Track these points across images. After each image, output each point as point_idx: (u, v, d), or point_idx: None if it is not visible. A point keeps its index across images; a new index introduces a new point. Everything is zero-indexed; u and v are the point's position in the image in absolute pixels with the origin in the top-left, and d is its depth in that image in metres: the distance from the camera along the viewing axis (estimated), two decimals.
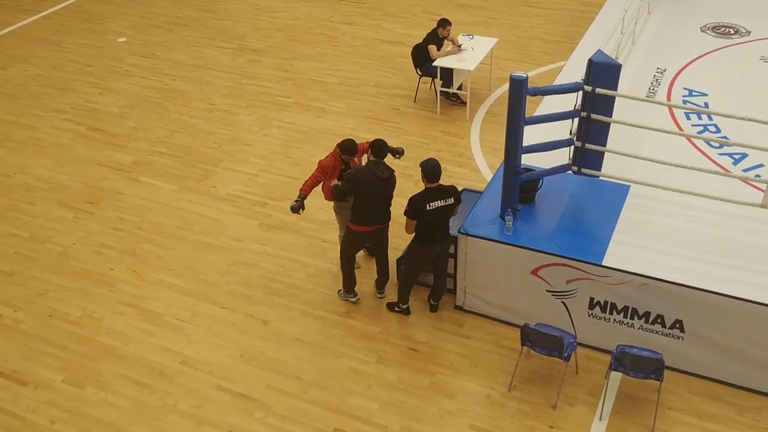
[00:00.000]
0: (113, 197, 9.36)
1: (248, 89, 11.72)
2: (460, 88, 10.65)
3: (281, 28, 13.80)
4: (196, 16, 14.44)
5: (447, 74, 10.55)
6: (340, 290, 7.63)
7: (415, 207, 6.67)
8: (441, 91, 10.72)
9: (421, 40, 10.72)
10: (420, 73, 10.92)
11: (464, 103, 10.77)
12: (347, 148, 7.19)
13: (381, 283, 7.58)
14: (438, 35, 10.57)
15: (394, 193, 7.09)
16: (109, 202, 9.26)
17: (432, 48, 10.51)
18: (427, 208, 6.64)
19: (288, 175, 9.59)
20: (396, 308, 7.44)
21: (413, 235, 6.88)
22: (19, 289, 7.98)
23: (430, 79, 10.95)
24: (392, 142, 10.06)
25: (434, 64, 10.49)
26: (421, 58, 10.71)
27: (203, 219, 8.92)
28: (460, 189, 8.41)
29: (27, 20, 14.54)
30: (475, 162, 9.73)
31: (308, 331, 7.35)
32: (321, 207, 8.94)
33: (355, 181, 6.83)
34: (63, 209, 9.17)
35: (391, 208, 7.16)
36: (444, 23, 10.55)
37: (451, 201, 6.73)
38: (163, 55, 12.96)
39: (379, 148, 6.95)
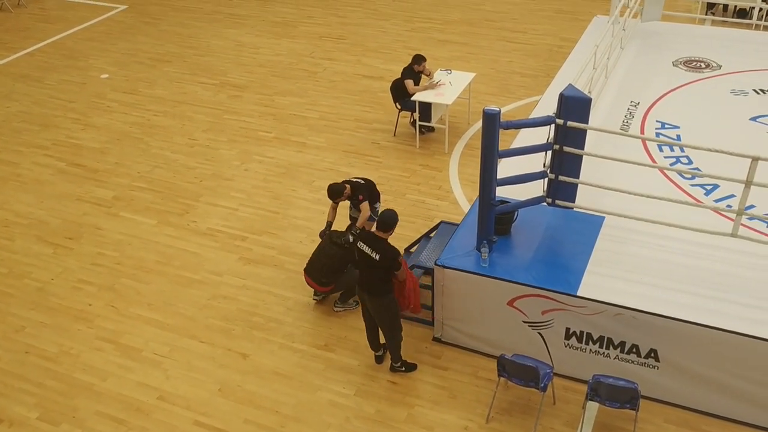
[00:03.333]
0: (93, 232, 9.36)
1: (229, 124, 11.81)
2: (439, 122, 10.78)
3: (263, 64, 13.96)
4: (178, 53, 14.59)
5: (425, 109, 10.70)
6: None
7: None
8: (415, 123, 10.86)
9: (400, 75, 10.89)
10: (399, 107, 11.06)
11: (433, 129, 10.98)
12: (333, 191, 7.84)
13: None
14: (414, 70, 10.75)
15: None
16: (89, 238, 9.26)
17: (409, 83, 10.68)
18: (357, 245, 6.79)
19: (268, 209, 9.64)
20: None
21: None
22: None
23: (410, 113, 11.09)
24: (372, 176, 10.17)
25: (413, 98, 10.65)
26: (400, 92, 10.86)
27: (183, 253, 8.93)
28: (437, 221, 8.52)
29: (10, 57, 14.63)
30: (454, 195, 9.83)
31: (287, 364, 7.34)
32: (300, 241, 9.00)
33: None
34: (42, 245, 9.16)
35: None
36: (418, 59, 10.75)
37: (375, 256, 6.60)
38: (145, 90, 13.06)
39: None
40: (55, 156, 11.11)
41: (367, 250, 6.63)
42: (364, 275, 6.79)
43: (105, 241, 9.19)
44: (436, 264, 7.11)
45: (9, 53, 14.81)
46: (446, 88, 10.84)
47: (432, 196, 9.78)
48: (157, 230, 9.35)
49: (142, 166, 10.76)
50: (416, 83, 10.76)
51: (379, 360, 7.30)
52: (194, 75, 13.58)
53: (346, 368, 7.26)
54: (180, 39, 15.28)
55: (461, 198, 9.76)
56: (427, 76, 10.88)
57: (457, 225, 7.78)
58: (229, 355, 7.48)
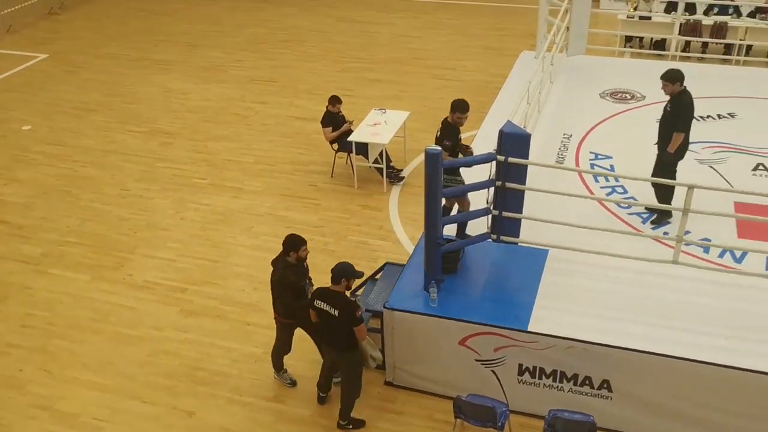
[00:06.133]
0: (21, 292, 8.91)
1: (162, 172, 11.52)
2: (376, 161, 10.77)
3: (192, 109, 13.73)
4: (104, 101, 14.22)
5: (362, 148, 10.67)
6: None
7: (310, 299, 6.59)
8: (375, 167, 10.82)
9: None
10: (336, 148, 11.02)
11: (402, 178, 10.93)
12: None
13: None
14: (330, 112, 10.77)
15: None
16: (17, 298, 8.80)
17: (326, 131, 10.76)
18: (314, 303, 6.52)
19: (207, 258, 9.38)
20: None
21: None
22: None
23: (346, 153, 11.05)
24: (311, 219, 10.10)
25: (349, 139, 10.63)
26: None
27: (119, 309, 8.58)
28: (381, 262, 8.42)
29: None
30: (396, 234, 9.78)
31: (235, 419, 7.07)
32: (242, 289, 8.77)
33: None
34: None
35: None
36: (332, 100, 10.80)
37: (334, 312, 6.37)
38: (71, 141, 12.65)
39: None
40: None
41: (325, 306, 6.43)
42: (326, 331, 6.59)
43: (34, 301, 8.75)
44: (385, 307, 7.01)
45: None
46: (382, 127, 10.86)
47: (374, 236, 9.71)
48: (91, 286, 8.97)
49: (71, 219, 10.35)
50: (335, 126, 10.77)
51: (321, 400, 7.16)
52: (122, 123, 13.25)
53: (298, 419, 7.04)
54: (105, 87, 14.91)
55: (403, 237, 9.72)
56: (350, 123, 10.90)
57: (403, 266, 7.71)
58: (174, 414, 7.16)
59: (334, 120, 10.81)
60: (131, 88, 14.81)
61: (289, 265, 6.74)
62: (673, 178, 7.72)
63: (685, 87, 7.65)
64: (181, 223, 10.19)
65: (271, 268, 6.91)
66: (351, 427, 6.94)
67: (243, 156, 11.90)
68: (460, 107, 7.72)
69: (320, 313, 6.50)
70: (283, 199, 10.63)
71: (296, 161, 11.68)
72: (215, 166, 11.64)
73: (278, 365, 7.44)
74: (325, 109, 10.85)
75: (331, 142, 10.97)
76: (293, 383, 7.40)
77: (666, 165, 7.82)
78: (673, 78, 7.61)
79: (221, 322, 8.30)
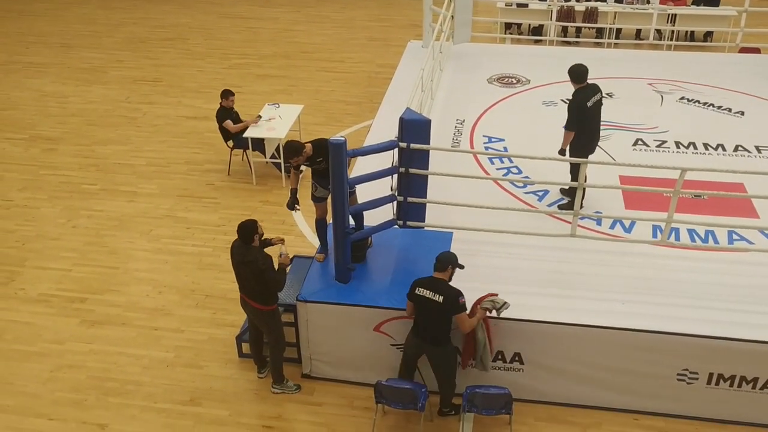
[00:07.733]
0: None
1: (48, 180, 10.99)
2: (273, 156, 10.71)
3: (75, 113, 13.15)
4: None
5: (259, 144, 10.58)
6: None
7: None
8: (272, 162, 10.78)
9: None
10: (231, 146, 10.86)
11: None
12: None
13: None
14: (225, 107, 10.64)
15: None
16: None
17: (228, 123, 10.57)
18: (416, 291, 6.38)
19: (106, 266, 9.05)
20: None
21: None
22: None
23: (242, 150, 10.92)
24: (212, 218, 9.93)
25: (245, 135, 10.51)
26: (229, 131, 10.68)
27: (14, 325, 8.15)
28: (291, 256, 8.35)
29: None
30: (299, 228, 9.77)
31: (152, 427, 6.89)
32: (147, 294, 8.54)
33: None
34: None
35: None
36: (224, 94, 10.65)
37: (439, 299, 6.27)
38: None
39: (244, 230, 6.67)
40: None
41: (428, 294, 6.27)
42: (423, 323, 6.41)
43: None
44: (297, 299, 7.02)
45: None
46: (276, 122, 10.80)
47: (277, 231, 9.61)
48: None
49: None
50: (234, 120, 10.64)
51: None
52: None
53: (217, 421, 6.94)
54: None
55: (306, 230, 9.72)
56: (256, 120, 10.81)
57: (312, 258, 7.73)
58: (84, 429, 6.89)
59: (229, 115, 10.64)
60: (4, 93, 14.01)
61: (258, 249, 6.74)
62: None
63: (586, 84, 7.70)
64: (73, 231, 9.77)
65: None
66: (453, 413, 6.82)
67: (134, 158, 11.52)
68: (286, 154, 7.19)
69: (421, 301, 6.31)
70: (180, 200, 10.39)
71: (191, 161, 11.43)
72: (105, 170, 11.21)
73: (261, 360, 7.34)
74: (219, 105, 10.66)
75: (227, 140, 10.81)
76: (298, 387, 7.24)
77: (576, 155, 7.78)
78: (570, 75, 7.71)
79: (127, 329, 8.05)
